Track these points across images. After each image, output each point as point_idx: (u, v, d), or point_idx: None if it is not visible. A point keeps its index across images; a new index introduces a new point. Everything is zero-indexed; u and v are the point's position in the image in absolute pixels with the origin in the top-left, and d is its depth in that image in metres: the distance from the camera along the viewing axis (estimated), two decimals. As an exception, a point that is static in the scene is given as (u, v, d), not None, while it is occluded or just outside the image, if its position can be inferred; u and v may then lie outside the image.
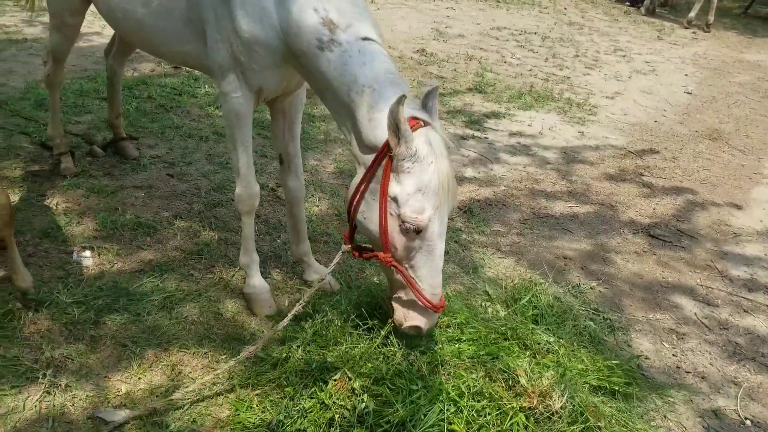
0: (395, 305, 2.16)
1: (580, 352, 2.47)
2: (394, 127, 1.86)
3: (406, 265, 2.05)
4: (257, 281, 2.79)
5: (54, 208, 3.38)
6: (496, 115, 5.74)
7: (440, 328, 2.39)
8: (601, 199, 4.34)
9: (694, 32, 11.35)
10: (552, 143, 5.26)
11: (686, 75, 8.22)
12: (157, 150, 4.25)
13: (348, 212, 2.19)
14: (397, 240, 2.01)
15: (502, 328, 2.42)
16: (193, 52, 2.56)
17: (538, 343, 2.43)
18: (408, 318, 2.11)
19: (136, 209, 3.48)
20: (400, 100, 1.82)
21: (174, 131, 4.56)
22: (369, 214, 2.06)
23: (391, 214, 1.99)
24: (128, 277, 2.88)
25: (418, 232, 1.97)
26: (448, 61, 7.40)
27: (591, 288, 3.28)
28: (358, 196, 2.08)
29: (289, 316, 2.29)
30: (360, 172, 2.11)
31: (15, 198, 3.37)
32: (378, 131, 1.98)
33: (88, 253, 3.03)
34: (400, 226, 1.98)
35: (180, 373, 2.37)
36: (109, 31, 5.28)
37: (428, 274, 2.04)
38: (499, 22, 10.09)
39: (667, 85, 7.57)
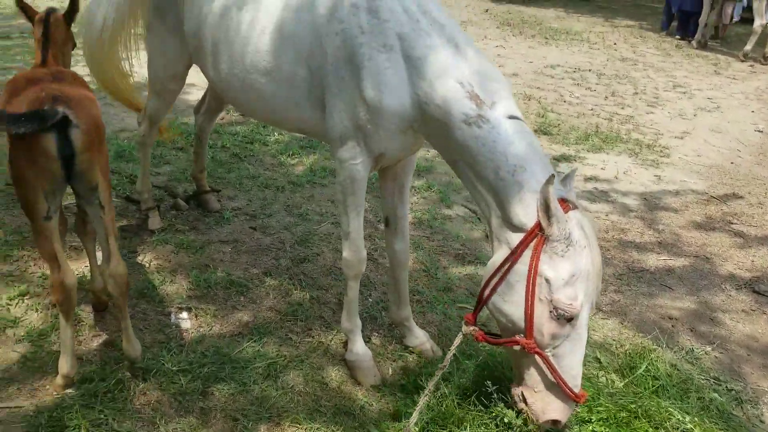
0: (529, 397, 2.04)
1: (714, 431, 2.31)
2: (546, 207, 1.78)
3: (550, 353, 1.94)
4: (360, 348, 2.72)
5: (147, 265, 3.39)
6: (566, 158, 5.63)
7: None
8: (694, 251, 4.17)
9: (751, 65, 11.09)
10: (630, 188, 5.11)
11: (753, 111, 7.98)
12: (237, 202, 4.26)
13: (481, 292, 2.10)
14: (546, 326, 1.91)
15: (632, 406, 2.28)
16: (310, 119, 2.54)
17: (669, 420, 2.28)
18: (546, 411, 1.99)
19: (225, 265, 3.46)
20: (550, 180, 1.75)
21: (251, 181, 4.57)
22: (511, 297, 1.96)
23: (540, 299, 1.89)
24: (228, 342, 2.84)
25: (570, 319, 1.87)
26: (507, 102, 7.34)
27: (705, 353, 3.10)
28: (498, 277, 1.99)
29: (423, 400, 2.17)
30: (500, 251, 2.02)
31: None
32: (528, 211, 1.91)
33: (185, 314, 3.01)
34: (550, 312, 1.88)
35: (296, 450, 2.29)
36: (191, 89, 5.39)
37: (572, 363, 1.94)
38: (551, 60, 10.03)
39: (735, 123, 7.35)
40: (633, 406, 2.28)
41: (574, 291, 1.85)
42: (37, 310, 2.92)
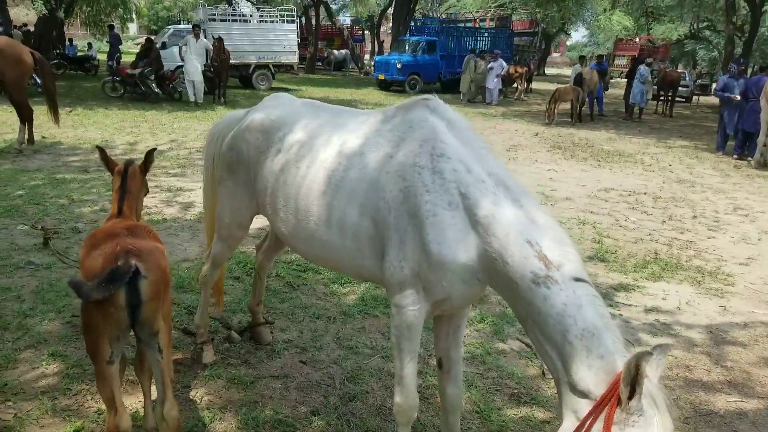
0: None
1: None
2: (634, 381, 1.73)
3: None
4: None
5: (198, 401, 3.43)
6: (624, 287, 5.49)
7: None
8: (767, 392, 3.88)
9: (816, 185, 10.81)
10: (694, 321, 4.89)
11: (823, 235, 7.67)
12: (289, 333, 4.32)
13: None
14: None
15: None
16: (370, 267, 2.62)
17: None
18: None
19: (274, 403, 3.46)
20: (645, 357, 1.70)
21: (303, 311, 4.66)
22: None
23: None
24: (274, 488, 2.78)
25: None
26: (561, 227, 7.33)
27: None
28: None
29: None
30: (568, 420, 1.95)
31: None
32: (596, 379, 1.87)
33: (232, 456, 2.99)
34: None
35: None
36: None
37: None
38: (605, 183, 10.08)
39: (805, 248, 7.05)
40: None
41: None
42: (90, 449, 2.97)
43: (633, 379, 1.72)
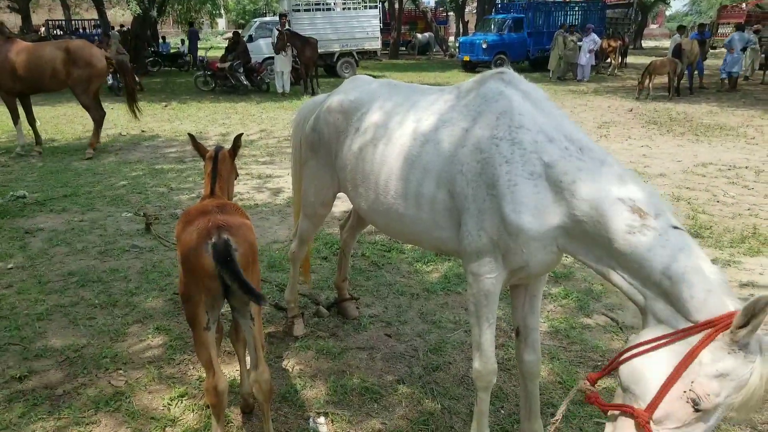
0: None
1: None
2: (753, 315, 1.72)
3: None
4: None
5: (290, 370, 3.64)
6: (720, 262, 5.22)
7: None
8: None
9: None
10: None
11: None
12: (374, 309, 4.47)
13: (618, 355, 2.02)
14: (668, 403, 1.81)
15: None
16: (447, 238, 2.69)
17: None
18: None
19: (361, 372, 3.62)
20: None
21: (387, 288, 4.79)
22: (654, 366, 1.86)
23: (683, 378, 1.80)
24: (361, 448, 2.94)
25: (697, 410, 1.76)
26: (652, 204, 7.05)
27: None
28: (647, 346, 1.92)
29: None
30: (658, 327, 1.95)
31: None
32: (701, 308, 1.85)
33: (322, 419, 3.17)
34: (684, 392, 1.78)
35: None
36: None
37: None
38: (702, 158, 9.54)
39: None
40: None
41: (719, 388, 1.74)
42: (193, 411, 3.24)
43: (752, 314, 1.70)
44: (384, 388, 3.46)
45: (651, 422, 1.83)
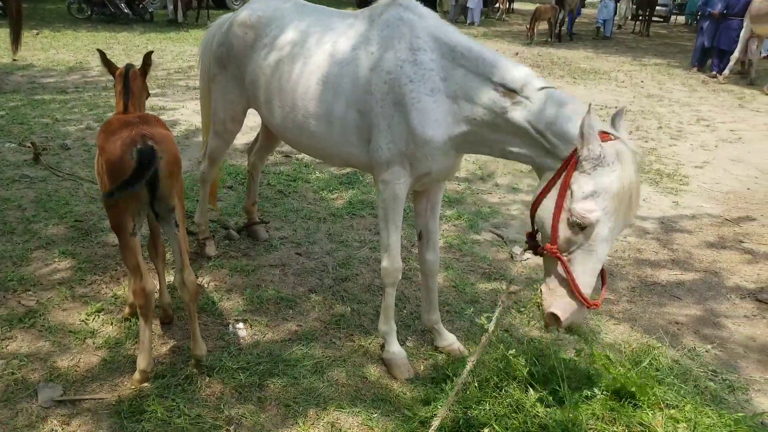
0: (545, 292, 2.41)
1: (705, 410, 2.57)
2: (581, 131, 2.15)
3: (567, 258, 2.28)
4: (396, 348, 3.10)
5: (206, 286, 3.84)
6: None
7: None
8: (704, 267, 4.44)
9: (777, 98, 11.27)
10: (648, 214, 5.40)
11: (775, 141, 8.18)
12: (283, 232, 4.72)
13: (531, 212, 2.47)
14: (562, 231, 2.27)
15: (632, 389, 2.57)
16: (356, 154, 2.97)
17: (666, 401, 2.56)
18: (552, 305, 2.34)
19: (275, 285, 3.90)
20: (589, 109, 2.15)
21: (295, 214, 5.04)
22: (546, 208, 2.34)
23: (564, 209, 2.25)
24: (280, 346, 3.25)
25: (582, 228, 2.21)
26: (533, 139, 7.73)
27: (706, 351, 3.41)
28: (543, 194, 2.38)
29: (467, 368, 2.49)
30: (546, 174, 2.41)
31: (170, 278, 3.84)
32: (568, 138, 2.29)
33: (241, 325, 3.44)
34: (568, 219, 2.23)
35: (340, 429, 2.65)
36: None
37: (582, 271, 2.26)
38: (578, 98, 10.39)
39: (756, 153, 7.57)
40: (633, 388, 2.57)
41: (592, 204, 2.17)
42: (111, 324, 3.37)
43: (580, 131, 2.15)
44: (298, 297, 3.77)
45: (558, 252, 2.30)
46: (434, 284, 3.24)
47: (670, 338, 3.48)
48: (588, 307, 2.30)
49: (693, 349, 3.41)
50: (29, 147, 6.01)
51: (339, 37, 3.04)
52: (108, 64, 3.21)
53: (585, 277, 2.27)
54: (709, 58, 13.95)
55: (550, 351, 2.90)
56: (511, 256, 4.45)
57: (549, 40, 18.53)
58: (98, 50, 3.32)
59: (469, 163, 6.60)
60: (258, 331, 3.40)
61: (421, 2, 2.96)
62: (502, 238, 4.76)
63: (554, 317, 2.33)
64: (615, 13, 21.35)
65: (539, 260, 4.31)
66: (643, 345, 3.18)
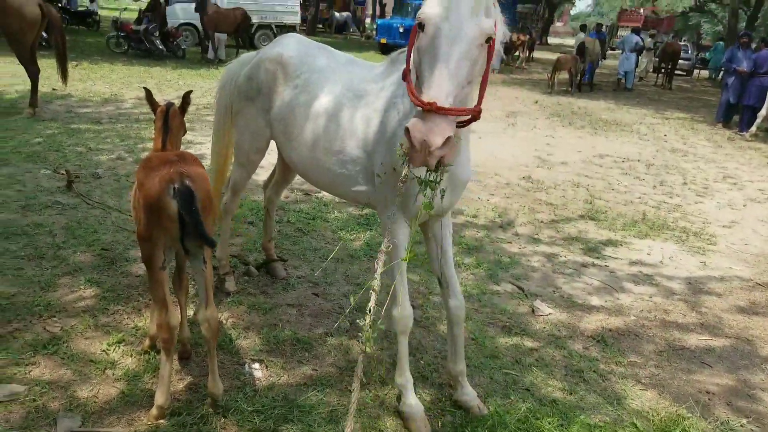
0: None
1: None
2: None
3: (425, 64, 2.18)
4: (413, 400, 3.02)
5: (224, 322, 3.81)
6: (612, 243, 5.88)
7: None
8: (735, 333, 4.30)
9: (805, 158, 11.15)
10: (675, 273, 5.30)
11: (805, 203, 8.05)
12: (301, 271, 4.69)
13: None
14: (415, 40, 2.28)
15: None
16: (365, 191, 3.08)
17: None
18: None
19: (292, 325, 3.85)
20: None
21: (313, 253, 5.02)
22: None
23: None
24: (295, 390, 3.19)
25: (422, 27, 2.18)
26: (555, 188, 7.71)
27: (741, 426, 3.24)
28: None
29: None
30: None
31: (190, 312, 3.82)
32: None
33: (257, 365, 3.39)
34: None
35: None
36: (258, 170, 5.96)
37: (427, 73, 2.14)
38: (600, 150, 10.41)
39: (786, 214, 7.45)
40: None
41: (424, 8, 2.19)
42: (131, 356, 3.35)
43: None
44: (314, 340, 3.72)
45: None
46: (459, 332, 3.17)
47: (701, 409, 3.33)
48: (421, 105, 2.09)
49: (726, 422, 3.26)
50: (63, 174, 6.12)
51: (360, 84, 3.17)
52: (152, 102, 3.32)
53: (429, 79, 2.13)
54: (735, 114, 13.94)
55: (573, 414, 2.80)
56: (533, 311, 4.37)
57: (569, 89, 18.66)
58: (144, 89, 3.41)
59: (488, 210, 6.57)
60: (274, 373, 3.34)
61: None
62: (523, 291, 4.68)
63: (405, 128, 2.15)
64: (637, 65, 21.48)
65: (562, 316, 4.32)
66: (673, 414, 3.06)
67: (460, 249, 5.36)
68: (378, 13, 42.77)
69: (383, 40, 26.24)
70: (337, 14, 40.35)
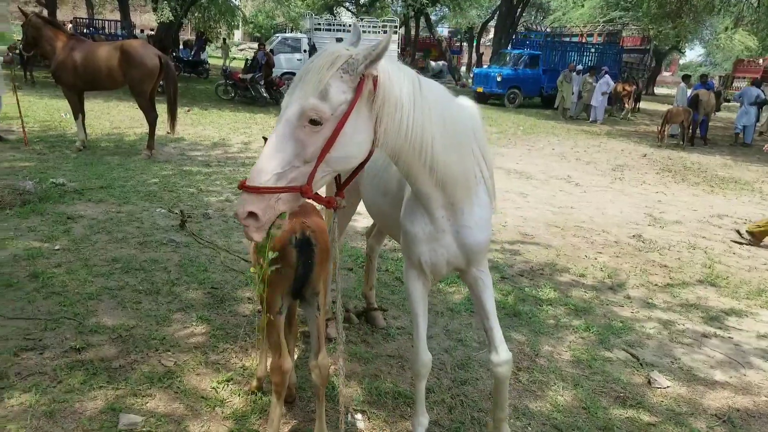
0: None
1: None
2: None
3: None
4: None
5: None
6: (736, 312, 5.41)
7: None
8: None
9: None
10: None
11: None
12: (401, 321, 4.65)
13: None
14: None
15: None
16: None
17: None
18: None
19: (392, 378, 3.80)
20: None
21: (414, 304, 4.97)
22: None
23: None
24: (398, 447, 3.11)
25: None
26: (669, 249, 7.26)
27: None
28: None
29: None
30: None
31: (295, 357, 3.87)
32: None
33: (360, 416, 3.36)
34: None
35: None
36: (357, 217, 6.09)
37: None
38: (717, 210, 9.75)
39: None
40: None
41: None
42: (239, 395, 3.43)
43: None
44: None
45: None
46: (504, 389, 2.97)
47: None
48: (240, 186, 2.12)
49: None
50: (177, 214, 6.52)
51: None
52: None
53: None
54: None
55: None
56: (649, 382, 4.05)
57: (681, 143, 17.77)
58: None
59: (596, 269, 6.27)
60: (376, 426, 3.29)
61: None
62: (638, 359, 4.37)
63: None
64: (757, 120, 20.17)
65: (682, 390, 3.98)
66: None
67: (567, 310, 5.13)
68: (473, 61, 43.20)
69: (480, 89, 26.19)
70: (432, 63, 41.19)
